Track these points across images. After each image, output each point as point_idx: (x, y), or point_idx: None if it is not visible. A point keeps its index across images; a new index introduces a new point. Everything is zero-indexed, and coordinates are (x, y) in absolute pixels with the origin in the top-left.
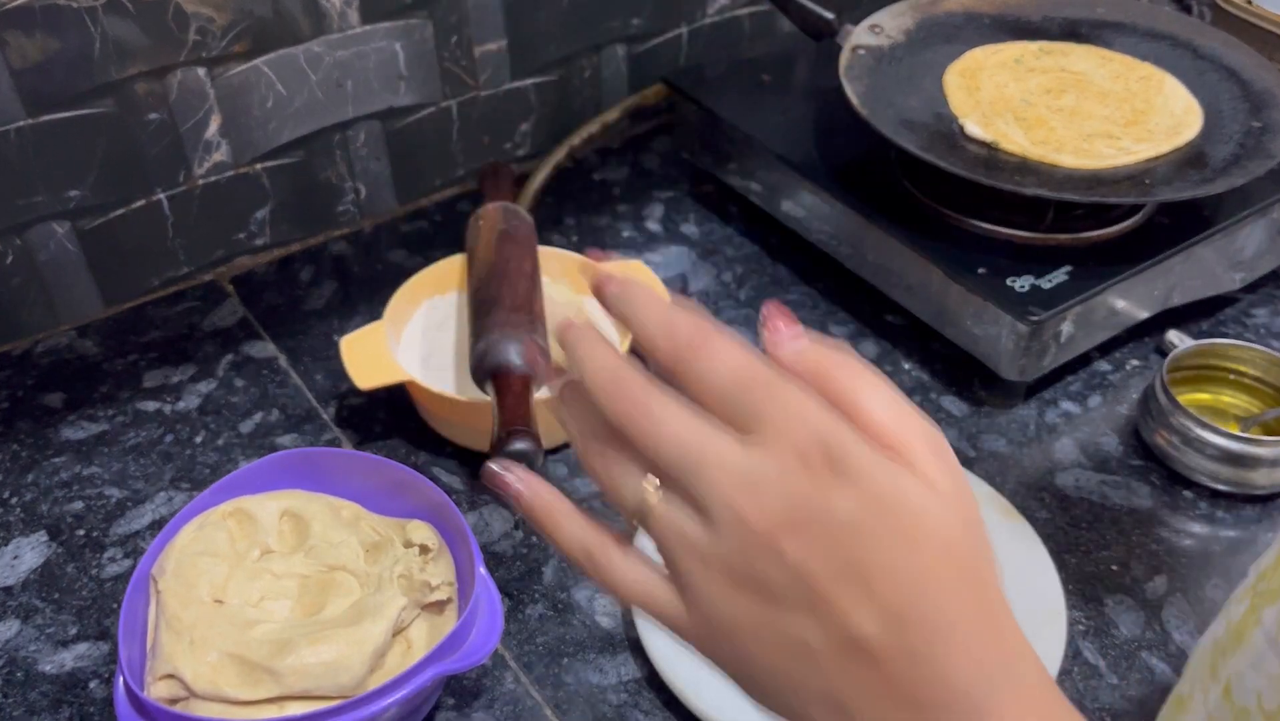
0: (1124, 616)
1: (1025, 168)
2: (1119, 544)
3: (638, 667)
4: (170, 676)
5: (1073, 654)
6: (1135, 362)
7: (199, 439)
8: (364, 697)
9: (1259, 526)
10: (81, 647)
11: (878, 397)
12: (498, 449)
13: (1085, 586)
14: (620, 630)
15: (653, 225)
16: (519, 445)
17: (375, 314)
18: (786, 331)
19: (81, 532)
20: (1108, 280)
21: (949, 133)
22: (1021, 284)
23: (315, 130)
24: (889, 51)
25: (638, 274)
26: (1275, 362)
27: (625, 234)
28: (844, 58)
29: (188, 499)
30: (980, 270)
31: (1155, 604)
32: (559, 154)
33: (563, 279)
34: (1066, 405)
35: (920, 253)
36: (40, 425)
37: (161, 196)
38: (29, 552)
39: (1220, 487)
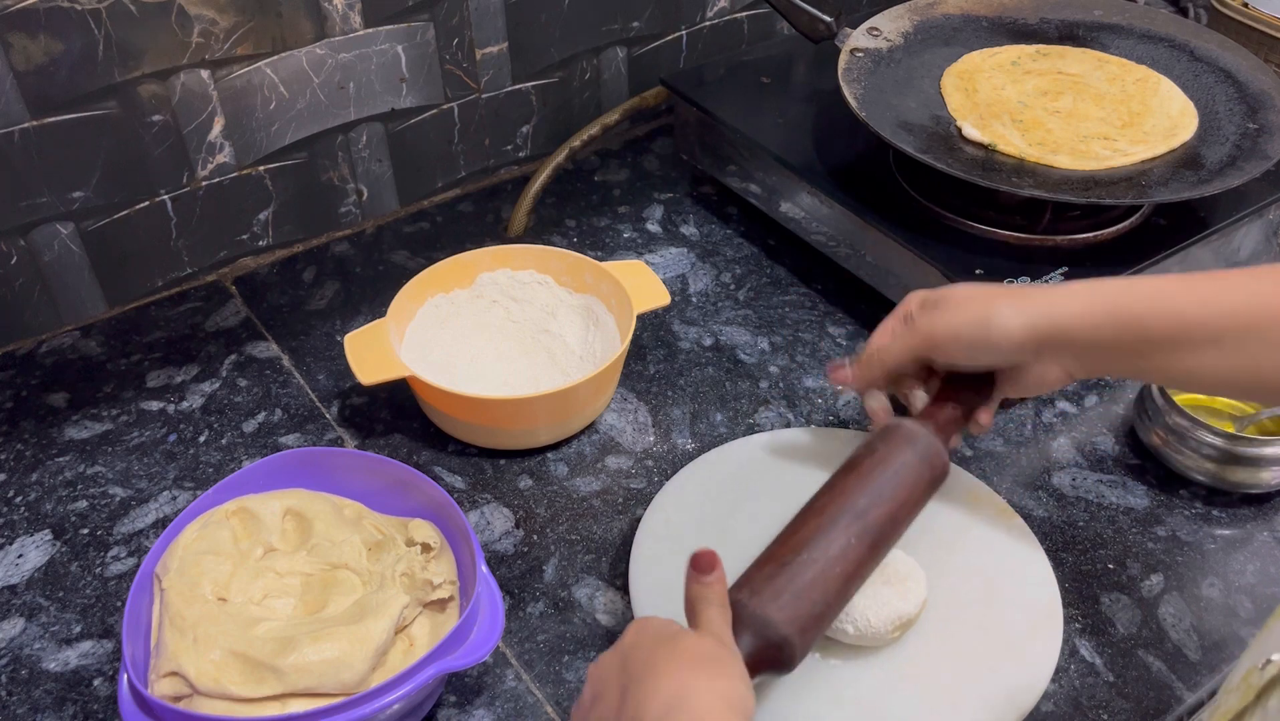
0: (1120, 614)
1: (1022, 169)
2: (1115, 542)
3: None
4: (174, 674)
5: (1069, 652)
6: None
7: (202, 438)
8: (366, 695)
9: (1254, 525)
10: (85, 645)
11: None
12: None
13: (1082, 584)
14: (621, 627)
15: (653, 226)
16: None
17: (377, 314)
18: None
19: (85, 531)
20: None
21: (946, 134)
22: (1018, 285)
23: (318, 132)
24: (887, 54)
25: (638, 273)
26: None
27: (625, 235)
28: (842, 60)
29: (191, 498)
30: (978, 271)
31: (1151, 602)
32: (559, 156)
33: (566, 279)
34: (1063, 405)
35: (918, 253)
36: (44, 425)
37: (165, 198)
38: (33, 551)
39: (1216, 486)
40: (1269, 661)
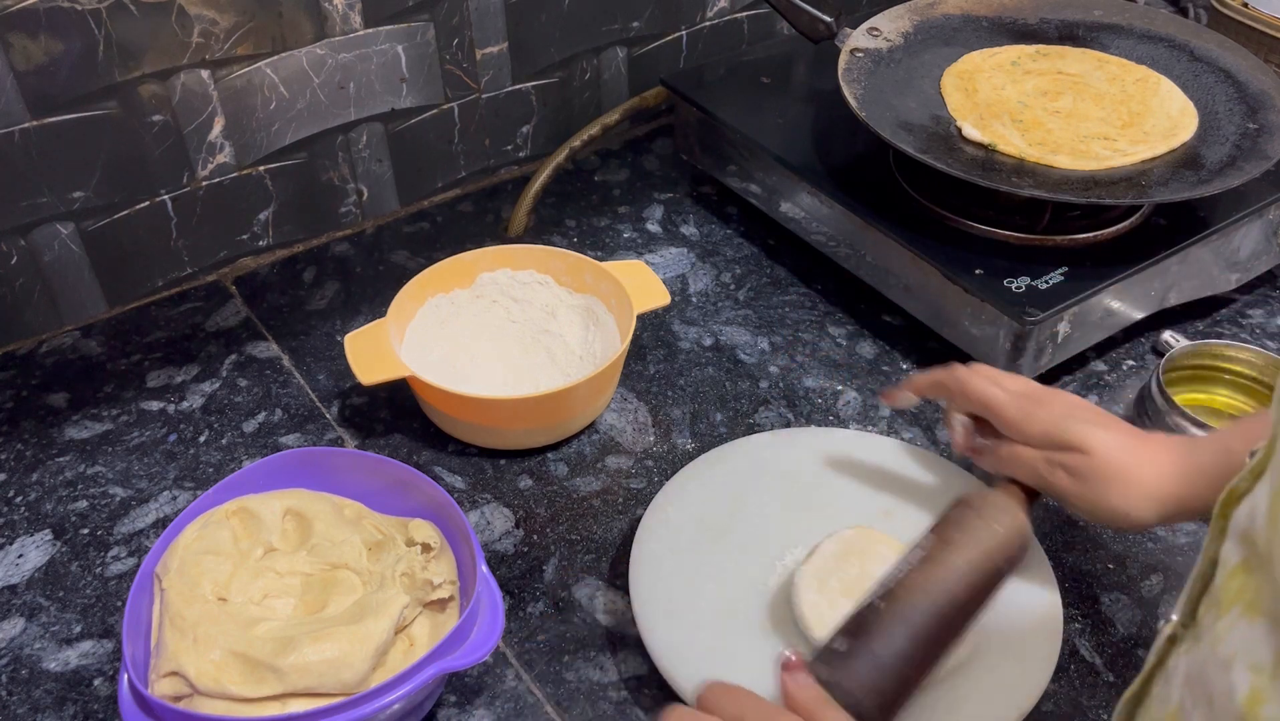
0: (1120, 614)
1: (1022, 169)
2: (1115, 542)
3: (638, 665)
4: (174, 674)
5: (1069, 652)
6: (1131, 363)
7: (202, 438)
8: (366, 695)
9: None
10: (86, 645)
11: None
12: None
13: (1081, 584)
14: (621, 628)
15: (653, 226)
16: None
17: (377, 314)
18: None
19: (86, 531)
20: (1104, 281)
21: (946, 135)
22: (1018, 284)
23: (318, 132)
24: (887, 54)
25: (638, 273)
26: (1271, 362)
27: (625, 235)
28: (842, 60)
29: (191, 498)
30: (977, 271)
31: (1151, 601)
32: (559, 156)
33: (566, 279)
34: None
35: (918, 253)
36: (44, 425)
37: (165, 198)
38: (34, 551)
39: None
40: (1168, 621)
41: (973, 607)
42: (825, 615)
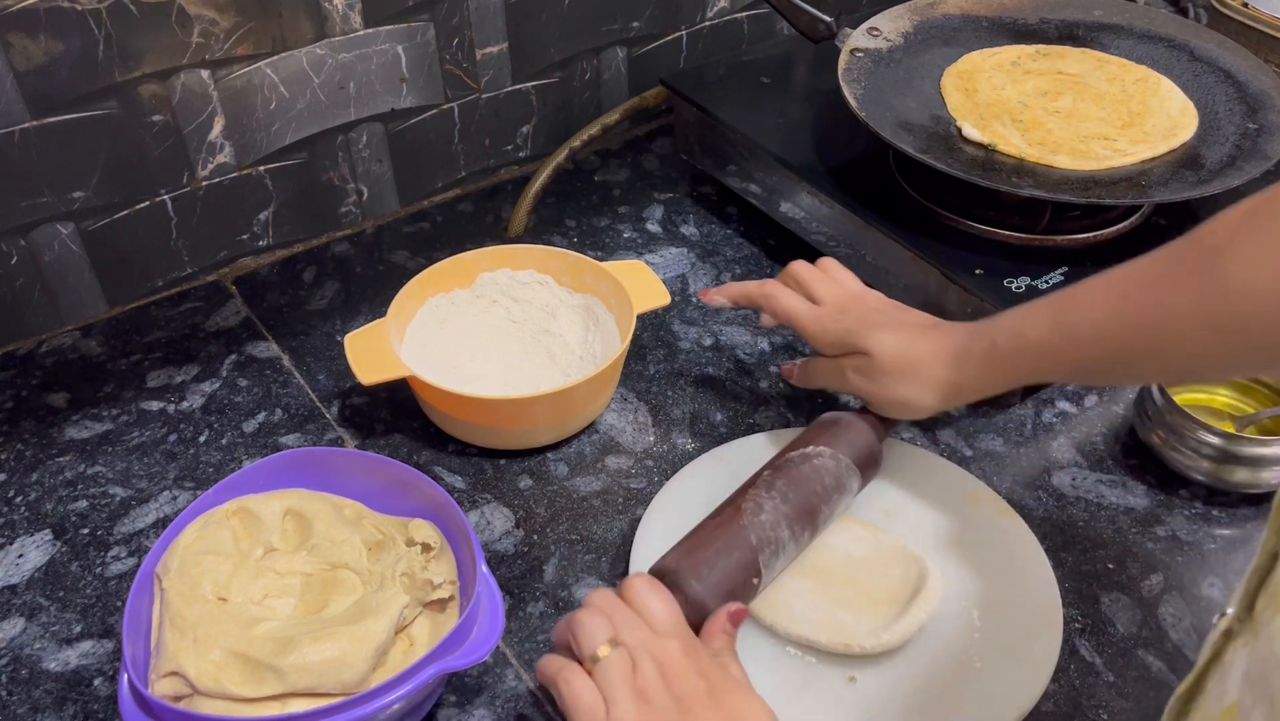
0: (1120, 614)
1: (1022, 169)
2: (1115, 542)
3: None
4: (174, 674)
5: (1069, 652)
6: None
7: (202, 438)
8: (366, 694)
9: (1254, 525)
10: (86, 645)
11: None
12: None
13: (1081, 584)
14: None
15: (653, 226)
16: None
17: (377, 314)
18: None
19: (86, 531)
20: None
21: (946, 135)
22: (1018, 285)
23: (318, 132)
24: (887, 54)
25: (638, 273)
26: None
27: (625, 235)
28: (842, 60)
29: (191, 498)
30: (977, 271)
31: (1151, 602)
32: (559, 156)
33: (566, 279)
34: (1063, 405)
35: (918, 253)
36: (44, 424)
37: (165, 198)
38: (34, 551)
39: (1216, 486)
40: (1224, 615)
41: (817, 505)
42: (776, 599)
